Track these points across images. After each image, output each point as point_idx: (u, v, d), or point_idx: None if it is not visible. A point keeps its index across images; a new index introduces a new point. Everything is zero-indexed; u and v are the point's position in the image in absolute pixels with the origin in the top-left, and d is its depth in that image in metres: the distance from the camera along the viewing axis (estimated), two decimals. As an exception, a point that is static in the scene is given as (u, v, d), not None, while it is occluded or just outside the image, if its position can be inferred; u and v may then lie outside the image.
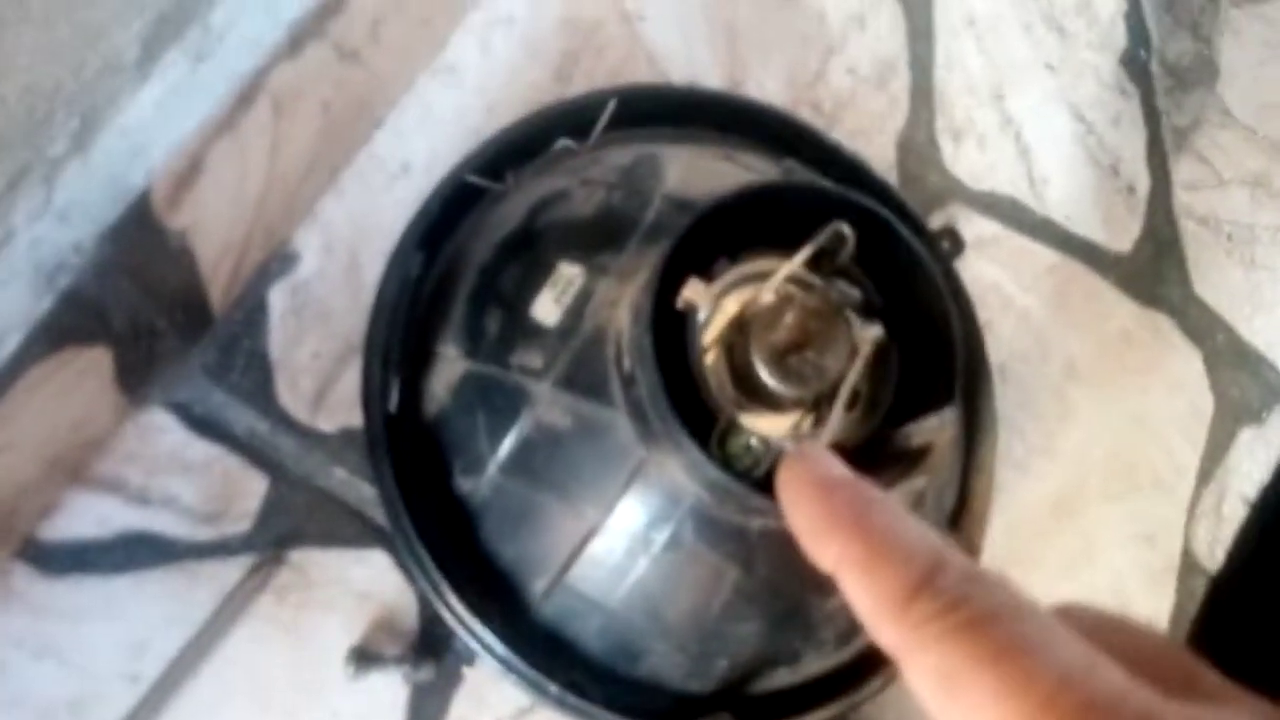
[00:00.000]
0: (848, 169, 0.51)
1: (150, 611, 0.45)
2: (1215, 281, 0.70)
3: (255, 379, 0.49)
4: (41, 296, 0.35)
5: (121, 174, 0.36)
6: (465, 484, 0.40)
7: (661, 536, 0.36)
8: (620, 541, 0.37)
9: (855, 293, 0.31)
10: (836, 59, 0.64)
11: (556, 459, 0.38)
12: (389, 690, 0.48)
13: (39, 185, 0.34)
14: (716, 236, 0.32)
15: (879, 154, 0.64)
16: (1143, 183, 0.70)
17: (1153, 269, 0.69)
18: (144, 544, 0.46)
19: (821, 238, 0.29)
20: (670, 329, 0.32)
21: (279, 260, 0.50)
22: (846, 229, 0.30)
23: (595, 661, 0.41)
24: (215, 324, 0.48)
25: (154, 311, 0.43)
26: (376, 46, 0.47)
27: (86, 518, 0.45)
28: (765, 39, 0.62)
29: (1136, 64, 0.72)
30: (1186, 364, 0.69)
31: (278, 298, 0.50)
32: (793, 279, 0.31)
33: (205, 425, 0.48)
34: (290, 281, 0.50)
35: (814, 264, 0.31)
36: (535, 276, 0.37)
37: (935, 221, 0.64)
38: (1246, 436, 0.69)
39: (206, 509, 0.47)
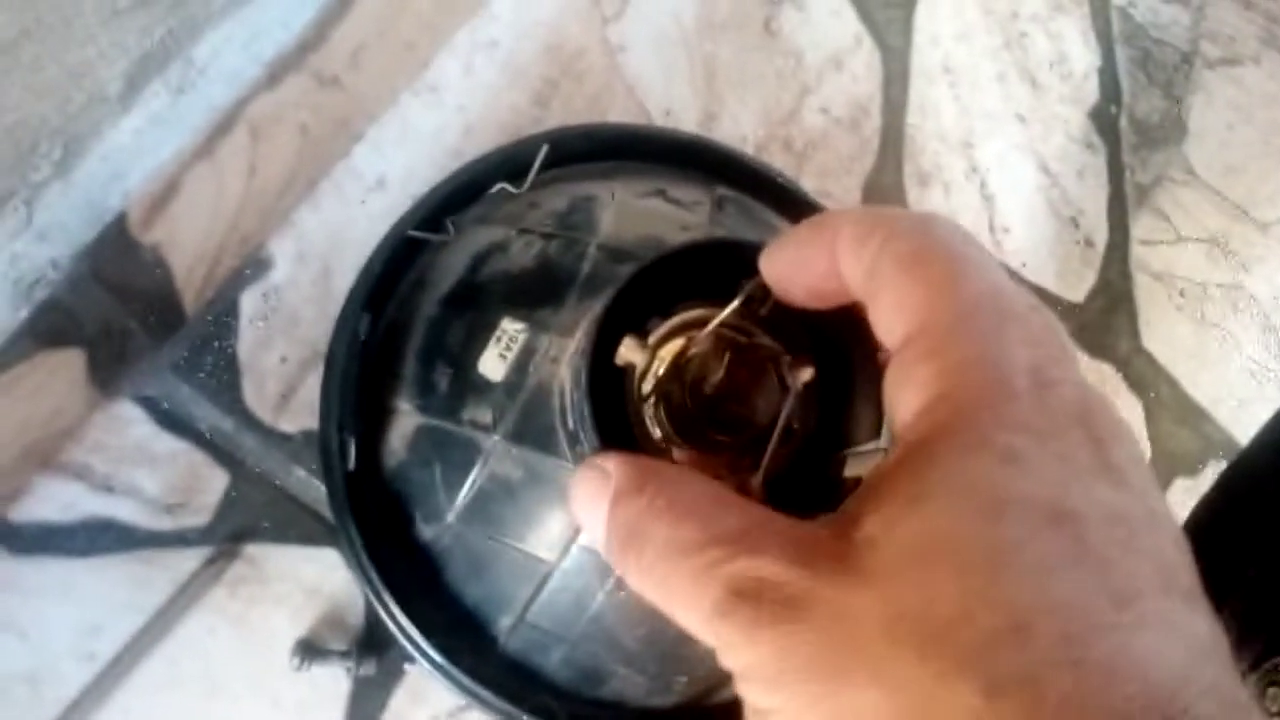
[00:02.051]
0: (778, 190, 0.51)
1: (108, 595, 0.48)
2: (1164, 336, 0.73)
3: (223, 379, 0.51)
4: (19, 308, 0.38)
5: (100, 197, 0.38)
6: (427, 532, 0.42)
7: (614, 573, 0.38)
8: (576, 580, 0.39)
9: (770, 342, 0.33)
10: (811, 98, 0.66)
11: (510, 507, 0.39)
12: (331, 683, 0.50)
13: (20, 207, 0.36)
14: (648, 291, 0.33)
15: (845, 194, 0.66)
16: (1101, 236, 0.72)
17: (1103, 320, 0.71)
18: (106, 530, 0.48)
19: (745, 291, 0.30)
20: (609, 385, 0.33)
21: (253, 265, 0.52)
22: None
23: (561, 688, 0.43)
24: (187, 324, 0.51)
25: (127, 315, 0.45)
26: (357, 72, 0.49)
27: (53, 502, 0.48)
28: (743, 76, 0.64)
29: (1106, 119, 0.74)
30: (1127, 413, 0.72)
31: (249, 302, 0.52)
32: (725, 327, 0.32)
33: (172, 420, 0.50)
34: (262, 287, 0.52)
35: (743, 312, 0.32)
36: (479, 333, 0.39)
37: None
38: (1180, 488, 0.72)
39: (168, 500, 0.50)
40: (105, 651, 0.47)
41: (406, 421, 0.41)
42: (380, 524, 0.42)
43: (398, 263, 0.45)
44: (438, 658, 0.41)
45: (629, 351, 0.31)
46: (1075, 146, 0.72)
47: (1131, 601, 0.15)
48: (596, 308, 0.32)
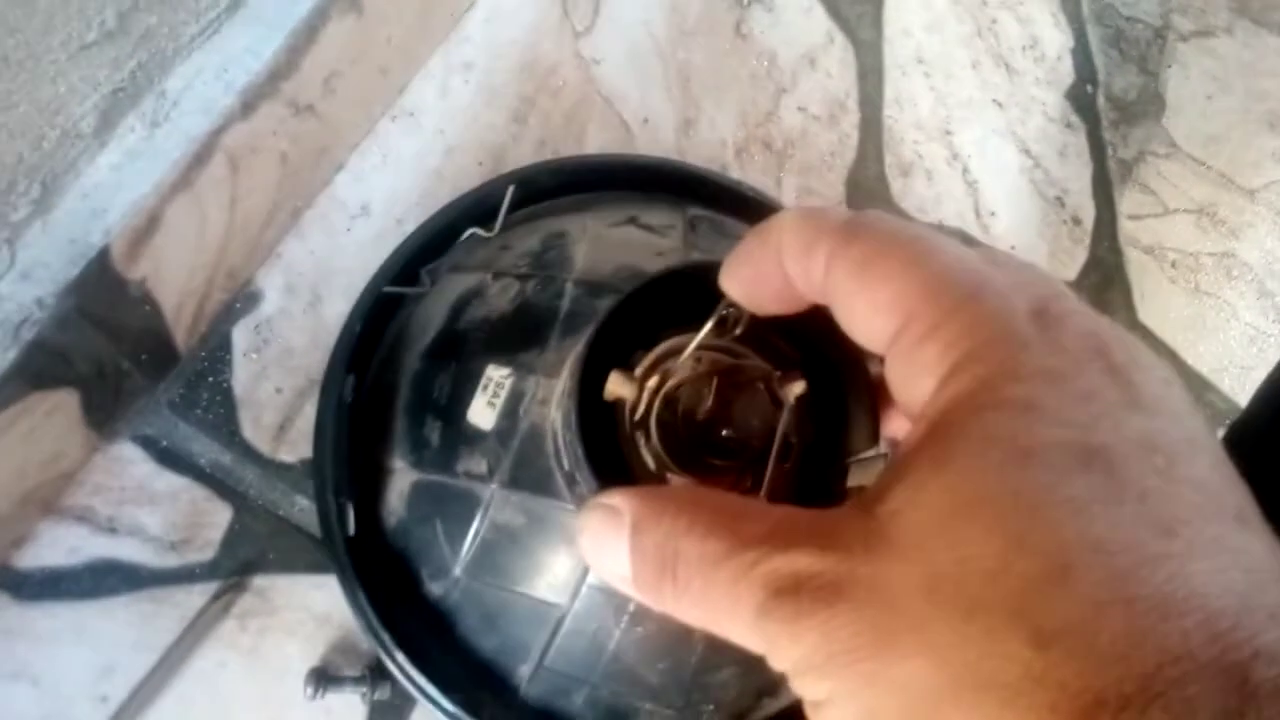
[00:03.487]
0: (749, 204, 0.51)
1: (118, 636, 0.48)
2: (1160, 309, 0.73)
3: (220, 413, 0.52)
4: (7, 349, 0.38)
5: (81, 234, 0.38)
6: (435, 589, 0.42)
7: (629, 610, 0.38)
8: (590, 621, 0.38)
9: (757, 360, 0.32)
10: (788, 98, 0.66)
11: (516, 555, 0.39)
12: (347, 710, 0.50)
13: (2, 248, 0.36)
14: (629, 324, 0.33)
15: (829, 190, 0.66)
16: (1088, 213, 0.72)
17: (1098, 297, 0.71)
18: (112, 572, 0.48)
19: (716, 313, 0.30)
20: (600, 422, 0.32)
21: (242, 299, 0.52)
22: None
23: (589, 729, 0.42)
24: (181, 361, 0.51)
25: (119, 354, 0.45)
26: (332, 99, 0.50)
27: (58, 547, 0.48)
28: (718, 80, 0.65)
29: (1083, 98, 0.74)
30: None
31: (241, 335, 0.52)
32: (709, 350, 0.32)
33: (171, 458, 0.50)
34: (253, 320, 0.53)
35: (723, 333, 0.32)
36: (466, 383, 0.39)
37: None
38: (1190, 459, 0.71)
39: (172, 538, 0.50)
40: (118, 693, 0.47)
41: (402, 479, 0.41)
42: (388, 585, 0.41)
43: (377, 320, 0.45)
44: (460, 714, 0.40)
45: (616, 386, 0.30)
46: (1054, 127, 0.73)
47: (1178, 530, 0.15)
48: (579, 346, 0.32)
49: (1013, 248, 0.70)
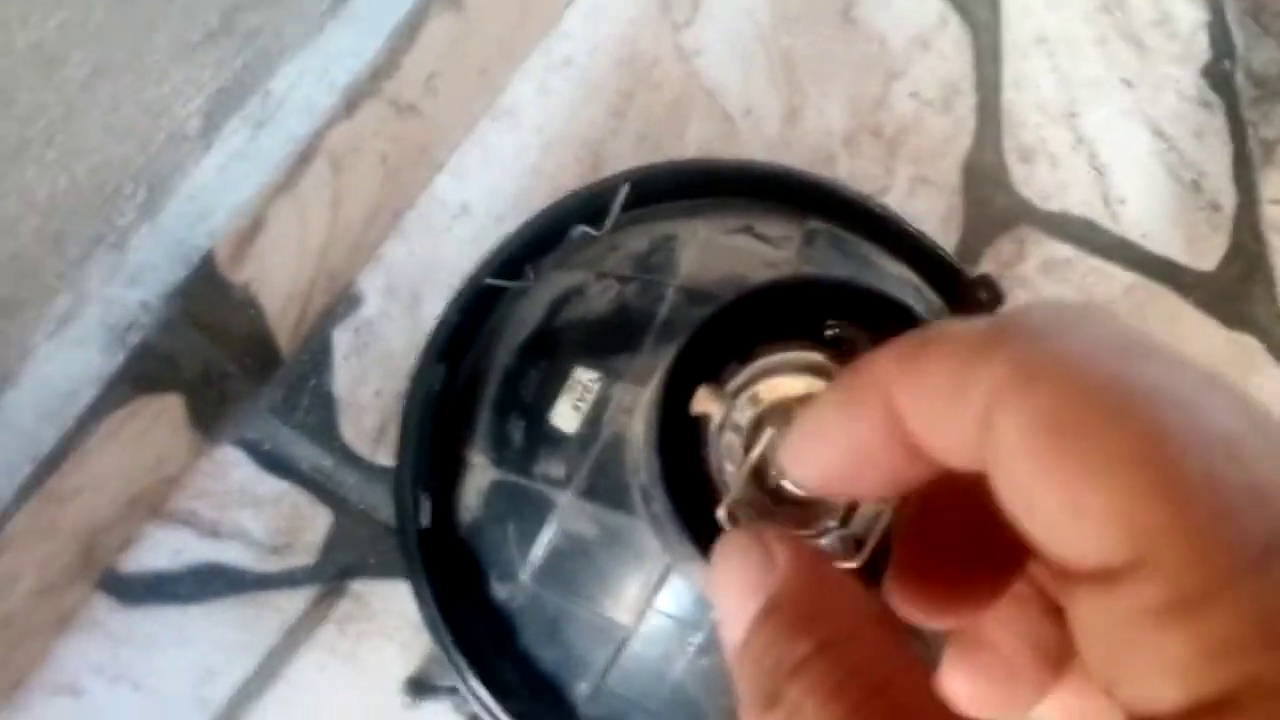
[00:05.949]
0: (874, 219, 0.48)
1: (219, 639, 0.48)
2: (1308, 302, 0.67)
3: (320, 416, 0.51)
4: (114, 354, 0.38)
5: (186, 237, 0.38)
6: (501, 591, 0.40)
7: (696, 640, 0.36)
8: (655, 647, 0.37)
9: None
10: (899, 83, 0.63)
11: (585, 567, 0.38)
12: (442, 719, 0.49)
13: (110, 252, 0.36)
14: (724, 336, 0.31)
15: (944, 178, 0.62)
16: (1228, 198, 0.67)
17: (1238, 288, 0.66)
18: (215, 575, 0.48)
19: (829, 334, 0.28)
20: (684, 437, 0.30)
21: (343, 302, 0.52)
22: (854, 325, 0.29)
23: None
24: (283, 365, 0.50)
25: (223, 358, 0.45)
26: (433, 98, 0.49)
27: (162, 550, 0.48)
28: (824, 66, 0.62)
29: (1220, 75, 0.69)
30: (1275, 386, 0.66)
31: (342, 338, 0.52)
32: (811, 372, 0.29)
33: (273, 461, 0.50)
34: (354, 322, 0.52)
35: (834, 355, 0.29)
36: (553, 382, 0.37)
37: (1003, 245, 0.63)
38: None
39: (274, 542, 0.49)
40: (219, 696, 0.47)
41: (481, 476, 0.40)
42: (455, 582, 0.40)
43: (476, 311, 0.44)
44: None
45: (703, 402, 0.29)
46: (1189, 106, 0.67)
47: None
48: (669, 356, 0.30)
49: (1143, 237, 0.65)
